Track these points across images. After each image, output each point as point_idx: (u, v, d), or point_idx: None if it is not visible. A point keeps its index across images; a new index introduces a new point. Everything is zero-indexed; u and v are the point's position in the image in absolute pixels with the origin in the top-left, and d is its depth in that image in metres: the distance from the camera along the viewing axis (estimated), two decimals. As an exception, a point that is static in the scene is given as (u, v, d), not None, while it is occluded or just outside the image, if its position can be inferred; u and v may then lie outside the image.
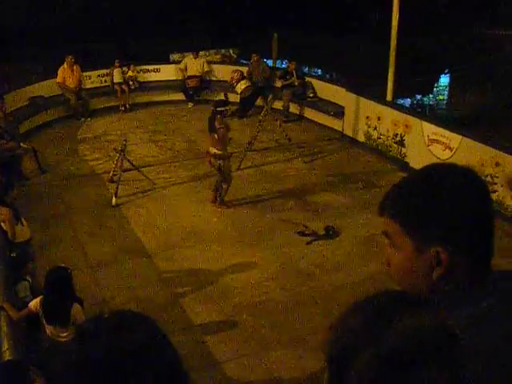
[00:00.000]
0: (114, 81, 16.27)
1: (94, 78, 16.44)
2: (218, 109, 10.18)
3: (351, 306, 1.29)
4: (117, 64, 16.30)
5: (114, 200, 10.51)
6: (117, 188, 10.64)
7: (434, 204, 1.61)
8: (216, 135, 10.02)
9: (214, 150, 10.13)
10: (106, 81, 16.57)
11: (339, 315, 1.31)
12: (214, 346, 6.95)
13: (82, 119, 15.40)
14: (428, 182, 1.67)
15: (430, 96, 20.73)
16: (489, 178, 10.00)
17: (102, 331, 1.27)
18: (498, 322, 1.51)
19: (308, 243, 9.31)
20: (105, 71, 16.54)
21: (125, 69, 16.47)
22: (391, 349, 1.15)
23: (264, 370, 6.59)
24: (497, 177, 9.96)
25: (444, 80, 22.44)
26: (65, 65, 15.42)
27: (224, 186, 10.45)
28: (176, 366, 1.33)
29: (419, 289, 1.70)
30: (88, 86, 16.09)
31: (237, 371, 6.56)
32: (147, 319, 1.36)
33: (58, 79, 15.38)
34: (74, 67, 15.48)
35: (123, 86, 16.26)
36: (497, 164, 9.98)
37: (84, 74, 15.93)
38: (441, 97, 20.96)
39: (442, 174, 1.70)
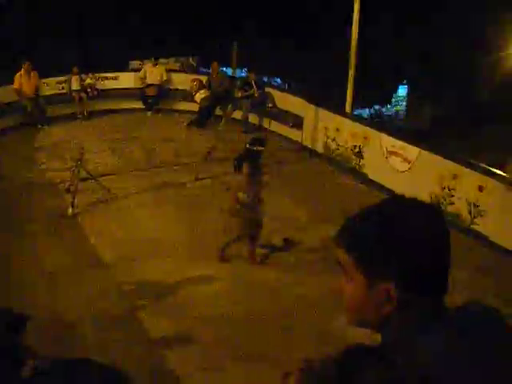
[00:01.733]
0: (72, 88, 16.14)
1: (51, 85, 16.26)
2: (252, 147, 9.32)
3: (322, 360, 1.27)
4: (75, 71, 16.15)
5: (70, 210, 10.35)
6: (73, 198, 10.48)
7: (388, 242, 1.60)
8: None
9: (240, 195, 8.63)
10: (63, 88, 16.40)
11: (305, 366, 1.29)
12: (172, 359, 6.87)
13: (39, 126, 15.21)
14: (384, 218, 1.66)
15: (388, 106, 20.95)
16: (446, 191, 10.12)
17: None
18: (460, 355, 1.50)
19: (262, 260, 9.28)
20: (63, 78, 16.36)
21: (83, 76, 16.32)
22: None
23: (221, 385, 6.55)
24: (454, 189, 10.08)
25: (402, 91, 22.70)
26: (22, 71, 15.22)
27: (235, 242, 8.97)
28: None
29: (369, 322, 1.70)
30: (45, 93, 15.89)
31: (195, 385, 6.51)
32: None
33: (15, 85, 15.19)
34: (31, 74, 15.29)
35: (81, 94, 16.14)
36: (454, 177, 10.09)
37: (41, 80, 15.74)
38: (399, 107, 21.19)
39: (401, 210, 1.67)
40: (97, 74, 16.71)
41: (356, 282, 1.66)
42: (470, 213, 9.79)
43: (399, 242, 1.58)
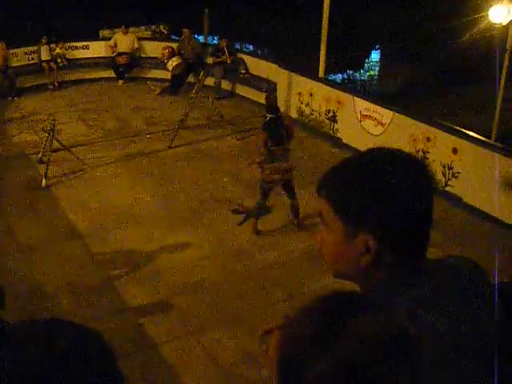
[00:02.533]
0: (42, 58, 15.84)
1: (20, 56, 15.95)
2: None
3: (298, 313, 1.23)
4: (44, 41, 15.86)
5: (43, 181, 10.26)
6: (46, 169, 10.37)
7: (369, 191, 1.56)
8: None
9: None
10: (33, 58, 16.11)
11: (285, 323, 1.26)
12: (150, 328, 6.88)
13: (9, 98, 14.97)
14: (366, 167, 1.63)
15: (362, 71, 20.91)
16: (420, 153, 10.14)
17: (33, 343, 1.19)
18: (440, 307, 1.50)
19: (240, 224, 9.28)
20: (32, 48, 16.05)
21: (52, 46, 16.04)
22: (350, 355, 1.10)
23: (201, 351, 6.56)
24: (428, 152, 10.11)
25: (375, 56, 22.66)
26: (-12, 42, 14.94)
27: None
28: (111, 373, 1.26)
29: (348, 273, 1.68)
30: (14, 64, 15.58)
31: (174, 353, 6.51)
32: (78, 328, 1.28)
33: (-18, 57, 14.91)
34: (-1, 44, 15.02)
35: (51, 64, 15.85)
36: (428, 139, 10.12)
37: (10, 51, 15.44)
38: (372, 72, 21.16)
39: (383, 160, 1.63)
40: (66, 44, 16.43)
41: (336, 233, 1.63)
42: (444, 175, 9.83)
43: (379, 190, 1.56)
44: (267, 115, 8.85)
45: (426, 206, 1.60)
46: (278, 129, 8.67)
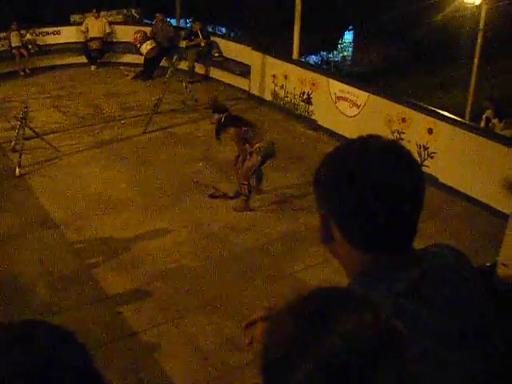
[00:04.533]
0: (12, 45, 15.61)
1: (-11, 43, 15.75)
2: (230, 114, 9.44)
3: (280, 311, 1.21)
4: (13, 27, 15.61)
5: (17, 170, 10.13)
6: (20, 157, 10.25)
7: (343, 184, 1.54)
8: None
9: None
10: (3, 45, 15.88)
11: (268, 322, 1.23)
12: (129, 315, 6.84)
13: (-20, 86, 14.78)
14: (342, 155, 1.60)
15: (335, 52, 20.90)
16: (396, 134, 10.17)
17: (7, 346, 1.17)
18: (426, 298, 1.48)
19: (210, 196, 9.47)
20: (1, 35, 15.81)
21: (23, 32, 15.82)
22: (335, 353, 1.07)
23: (181, 337, 6.54)
24: (403, 132, 10.14)
25: (348, 37, 22.65)
26: (-42, 29, 14.71)
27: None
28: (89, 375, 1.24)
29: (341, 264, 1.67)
30: (-16, 51, 15.40)
31: (155, 340, 6.48)
32: (53, 329, 1.25)
33: (-49, 44, 14.69)
34: (-32, 31, 14.79)
35: (22, 50, 15.64)
36: (403, 120, 10.14)
37: (-21, 38, 15.24)
38: (345, 53, 21.16)
39: (362, 147, 1.59)
40: (37, 30, 16.21)
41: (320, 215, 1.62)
42: (419, 155, 9.87)
43: (350, 184, 1.52)
44: (221, 116, 9.25)
45: (412, 205, 1.56)
46: (237, 118, 9.39)
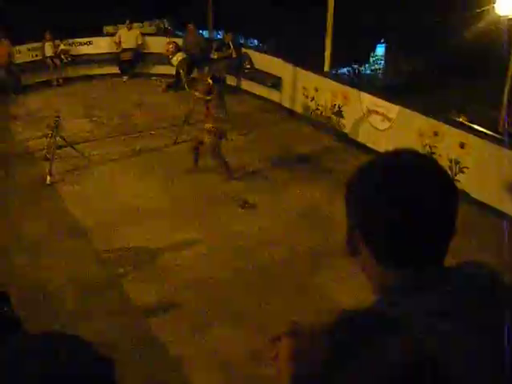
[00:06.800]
0: (46, 54, 15.83)
1: (24, 53, 15.93)
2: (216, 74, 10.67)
3: (314, 331, 1.17)
4: (48, 37, 15.82)
5: (48, 179, 10.22)
6: (51, 166, 10.33)
7: (371, 199, 1.50)
8: None
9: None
10: (37, 55, 16.08)
11: (299, 339, 1.19)
12: (155, 326, 6.84)
13: (14, 95, 14.94)
14: (373, 167, 1.56)
15: (367, 66, 20.82)
16: (427, 148, 10.07)
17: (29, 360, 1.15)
18: (456, 317, 1.43)
19: (240, 207, 9.53)
20: (36, 45, 16.03)
21: (56, 42, 16.00)
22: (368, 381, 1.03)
23: (207, 349, 6.51)
24: (435, 146, 10.03)
25: (380, 49, 22.55)
26: (-8, 39, 14.92)
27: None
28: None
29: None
30: (18, 61, 15.58)
31: (181, 350, 6.46)
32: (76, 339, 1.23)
33: (-14, 54, 14.88)
34: (3, 41, 14.96)
35: (55, 60, 15.84)
36: (435, 134, 10.05)
37: (14, 48, 15.43)
38: (377, 66, 21.06)
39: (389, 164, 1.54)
40: (70, 40, 16.40)
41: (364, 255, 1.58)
42: (451, 169, 9.76)
43: (377, 197, 1.48)
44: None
45: (435, 215, 1.49)
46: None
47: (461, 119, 11.11)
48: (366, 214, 1.50)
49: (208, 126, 9.99)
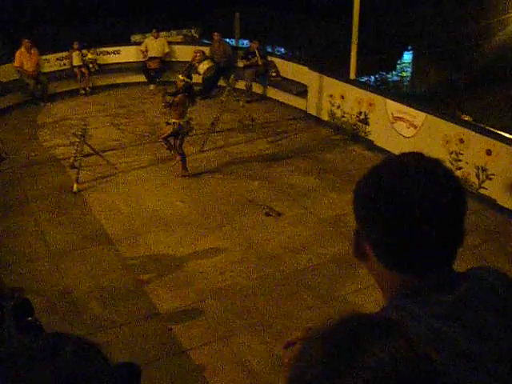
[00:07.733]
0: (74, 64, 16.01)
1: (52, 62, 16.12)
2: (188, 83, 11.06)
3: (311, 335, 1.16)
4: (75, 46, 16.00)
5: (75, 186, 10.30)
6: (78, 174, 10.43)
7: (374, 201, 1.50)
8: None
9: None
10: (65, 64, 16.26)
11: (298, 346, 1.18)
12: (180, 333, 6.84)
13: (42, 104, 15.12)
14: (379, 171, 1.56)
15: (394, 73, 20.75)
16: (453, 155, 9.99)
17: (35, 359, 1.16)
18: (465, 324, 1.41)
19: (265, 215, 9.51)
20: (63, 54, 16.21)
21: (84, 51, 16.17)
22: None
23: (231, 356, 6.50)
24: (461, 153, 9.95)
25: (407, 57, 22.48)
26: (22, 48, 15.08)
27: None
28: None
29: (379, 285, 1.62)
30: (47, 70, 15.77)
31: (204, 358, 6.46)
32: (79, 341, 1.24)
33: (16, 63, 15.06)
34: (32, 51, 15.15)
35: (83, 69, 16.00)
36: (461, 141, 9.97)
37: (42, 57, 15.61)
38: (404, 73, 20.99)
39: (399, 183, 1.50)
40: (98, 49, 16.56)
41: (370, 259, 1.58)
42: (477, 177, 9.68)
43: (386, 205, 1.47)
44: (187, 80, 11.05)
45: (441, 220, 1.48)
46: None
47: (466, 118, 11.04)
48: (370, 217, 1.50)
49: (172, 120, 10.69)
